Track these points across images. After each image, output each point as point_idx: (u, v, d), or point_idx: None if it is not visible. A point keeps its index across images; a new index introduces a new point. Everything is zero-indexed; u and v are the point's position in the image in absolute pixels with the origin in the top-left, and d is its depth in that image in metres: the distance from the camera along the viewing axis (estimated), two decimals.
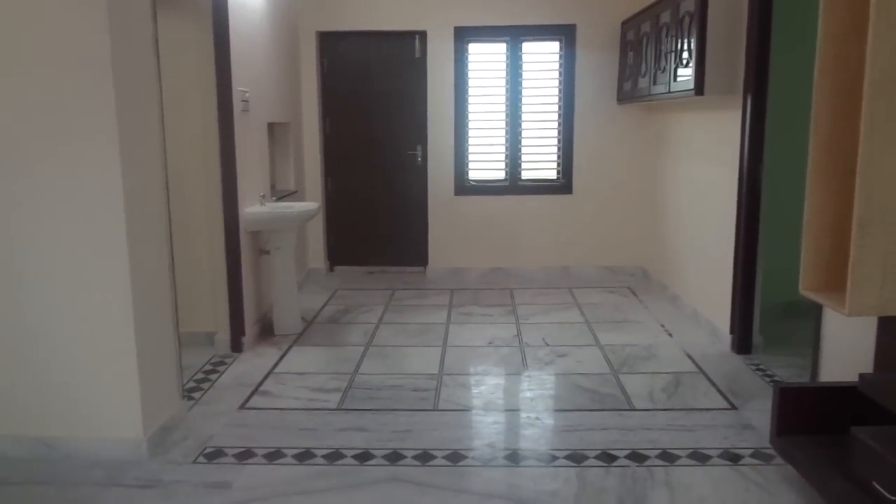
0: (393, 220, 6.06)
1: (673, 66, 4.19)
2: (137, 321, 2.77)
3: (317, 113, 5.80)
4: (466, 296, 5.39)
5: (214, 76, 3.82)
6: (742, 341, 3.95)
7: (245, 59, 4.19)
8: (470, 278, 5.89)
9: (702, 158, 4.47)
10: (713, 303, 4.29)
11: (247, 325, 4.17)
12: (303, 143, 5.78)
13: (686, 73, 4.02)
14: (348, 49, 5.83)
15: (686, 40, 3.98)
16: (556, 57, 5.69)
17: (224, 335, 4.09)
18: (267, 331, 4.47)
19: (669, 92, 4.27)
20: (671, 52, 4.21)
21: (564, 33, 5.63)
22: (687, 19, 3.97)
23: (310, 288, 5.64)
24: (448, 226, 5.89)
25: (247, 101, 4.19)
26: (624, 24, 5.42)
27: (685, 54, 4.02)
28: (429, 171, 5.84)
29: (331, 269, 6.16)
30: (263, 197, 4.37)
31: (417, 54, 5.79)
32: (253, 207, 4.26)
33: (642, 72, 4.91)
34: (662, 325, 4.54)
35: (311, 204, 4.57)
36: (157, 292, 3.00)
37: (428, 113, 5.75)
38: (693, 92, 3.87)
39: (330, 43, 5.81)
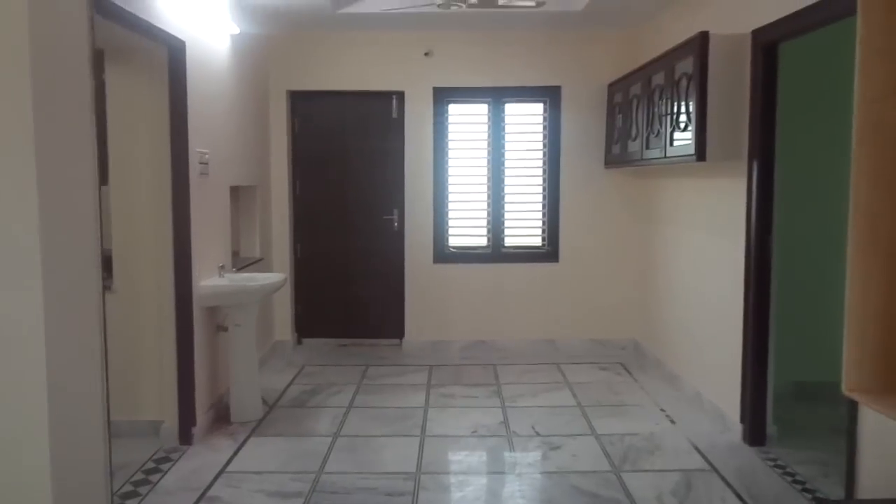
0: (367, 290, 5.64)
1: (669, 130, 3.92)
2: (54, 415, 2.28)
3: (286, 175, 5.44)
4: (446, 373, 4.94)
5: (169, 136, 3.44)
6: (755, 432, 3.55)
7: (205, 118, 3.83)
8: (450, 353, 5.45)
9: (701, 227, 4.16)
10: (718, 385, 3.90)
11: (198, 412, 3.67)
12: (270, 206, 5.39)
13: (685, 138, 3.74)
14: (321, 108, 5.53)
15: (684, 103, 3.72)
16: (541, 119, 5.44)
17: (171, 425, 3.59)
18: (222, 417, 3.97)
19: (665, 157, 3.99)
20: (666, 115, 3.95)
21: (549, 95, 5.39)
22: (684, 81, 3.72)
23: (274, 363, 5.15)
24: (426, 296, 5.49)
25: (206, 164, 3.81)
26: (611, 86, 5.20)
27: (682, 117, 3.75)
28: (406, 236, 5.47)
29: (299, 342, 5.68)
30: (223, 268, 3.94)
31: (394, 114, 5.50)
32: (210, 280, 3.83)
33: (633, 135, 4.65)
34: (663, 410, 4.12)
35: (276, 275, 4.15)
36: (83, 379, 2.53)
37: (405, 175, 5.43)
38: (693, 157, 3.57)
39: (301, 102, 5.50)
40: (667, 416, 4.03)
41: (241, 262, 4.70)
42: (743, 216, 3.55)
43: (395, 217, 5.56)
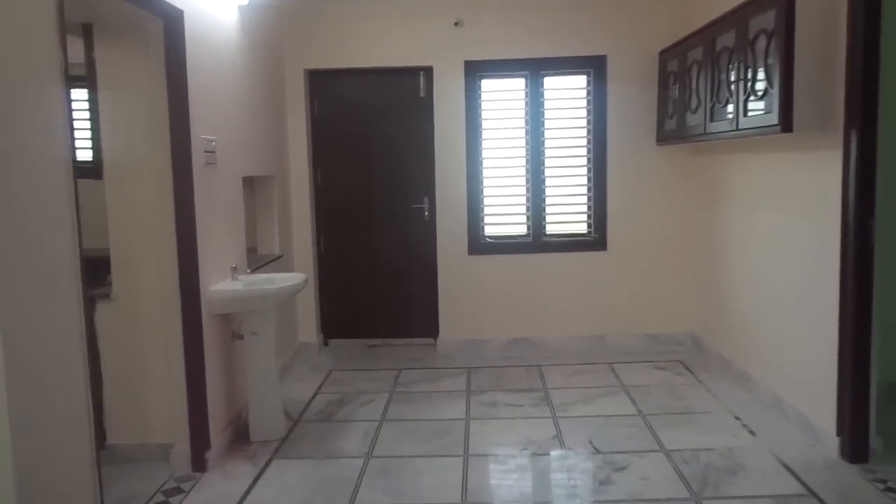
0: (397, 285, 5.19)
1: (742, 99, 3.38)
2: (19, 444, 1.88)
3: (306, 162, 4.99)
4: (487, 376, 4.48)
5: (168, 121, 3.00)
6: (856, 446, 3.04)
7: (210, 101, 3.39)
8: (489, 352, 4.99)
9: (780, 209, 3.62)
10: (804, 389, 3.38)
11: (213, 433, 3.26)
12: (290, 198, 4.95)
13: (762, 106, 3.20)
14: (342, 89, 5.06)
15: (762, 65, 3.17)
16: (584, 93, 4.91)
17: (183, 448, 3.18)
18: (241, 436, 3.56)
19: (737, 129, 3.45)
20: (738, 80, 3.40)
21: (593, 66, 4.85)
22: (762, 39, 3.17)
23: (299, 369, 4.73)
24: (461, 290, 5.02)
25: (212, 152, 3.37)
26: (663, 53, 4.64)
27: (760, 83, 3.21)
28: (438, 226, 5.00)
29: (325, 344, 5.27)
30: (235, 269, 3.51)
31: (422, 93, 5.01)
32: (221, 284, 3.40)
33: (692, 107, 4.10)
34: (738, 418, 3.61)
35: (296, 276, 3.71)
36: (59, 401, 2.12)
37: (435, 160, 4.94)
38: (777, 128, 3.03)
39: (321, 82, 5.04)
40: (744, 425, 3.52)
41: (259, 260, 4.28)
42: (837, 196, 3.01)
43: (426, 205, 5.09)
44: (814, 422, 3.29)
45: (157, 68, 2.99)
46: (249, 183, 4.54)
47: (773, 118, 3.05)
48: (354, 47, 4.85)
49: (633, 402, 3.90)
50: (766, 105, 3.17)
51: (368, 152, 5.09)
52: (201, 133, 3.23)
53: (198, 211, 3.14)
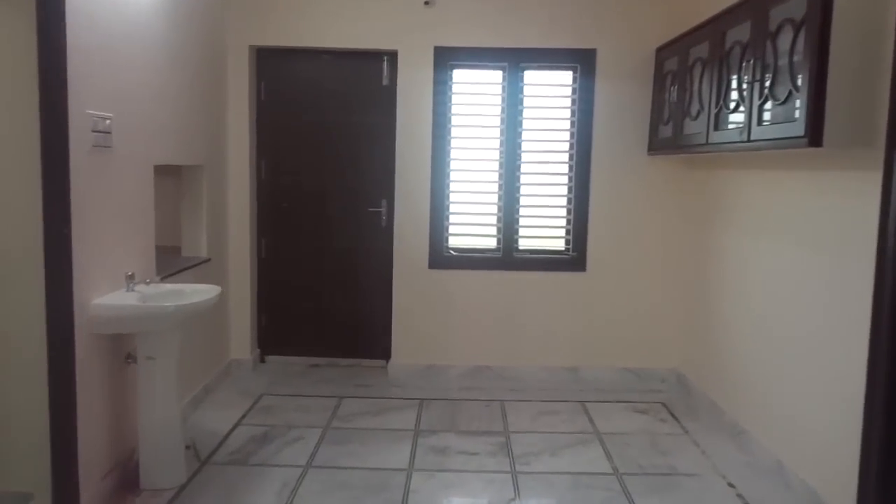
0: (346, 299, 4.56)
1: (756, 104, 2.80)
2: None
3: (248, 153, 4.33)
4: (441, 412, 3.86)
5: (37, 89, 2.34)
6: None
7: (109, 70, 2.74)
8: (447, 381, 4.37)
9: (794, 238, 3.05)
10: (816, 455, 2.81)
11: (85, 481, 2.61)
12: (226, 192, 4.29)
13: (782, 114, 2.63)
14: (294, 71, 4.41)
15: (786, 63, 2.59)
16: (569, 91, 4.31)
17: (43, 500, 2.52)
18: (130, 482, 2.91)
19: (748, 140, 2.87)
20: (754, 82, 2.82)
21: (580, 60, 4.26)
22: (788, 32, 2.59)
23: (224, 392, 4.08)
24: (419, 308, 4.40)
25: (107, 133, 2.71)
26: (661, 49, 4.06)
27: (782, 86, 2.63)
28: (395, 234, 4.37)
29: (261, 360, 4.61)
30: (132, 278, 2.84)
31: (385, 81, 4.38)
32: (109, 297, 2.74)
33: (692, 112, 3.53)
34: (732, 486, 3.03)
35: (208, 290, 3.05)
36: None
37: (396, 158, 4.32)
38: (802, 141, 2.45)
39: (270, 62, 4.39)
40: (738, 495, 2.94)
41: (181, 264, 3.63)
42: (873, 227, 2.43)
43: (384, 210, 4.47)
44: (825, 499, 2.72)
45: (26, 20, 2.33)
46: (173, 173, 3.89)
47: (798, 128, 2.47)
48: (310, 23, 4.21)
49: (608, 457, 3.31)
50: (786, 112, 2.60)
51: (321, 145, 4.45)
52: (89, 108, 2.57)
53: (77, 204, 2.49)
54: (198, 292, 3.01)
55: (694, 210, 4.19)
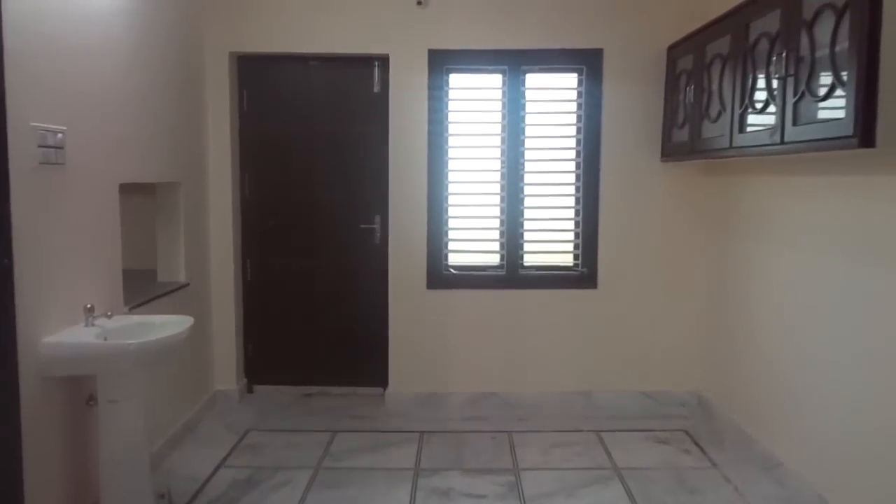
0: (339, 323, 4.24)
1: (791, 102, 2.49)
2: None
3: (230, 167, 4.02)
4: (444, 446, 3.53)
5: None
6: None
7: (63, 79, 2.43)
8: (449, 410, 4.03)
9: (837, 250, 2.73)
10: (866, 493, 2.48)
11: None
12: (207, 211, 3.98)
13: (824, 112, 2.32)
14: (279, 79, 4.11)
15: (828, 54, 2.28)
16: (574, 94, 4.00)
17: None
18: None
19: (782, 143, 2.55)
20: (787, 76, 2.51)
21: (586, 61, 3.95)
22: (828, 18, 2.28)
23: (207, 427, 3.74)
24: (418, 332, 4.07)
25: (59, 148, 2.40)
26: (673, 48, 3.77)
27: (823, 80, 2.32)
28: (391, 252, 4.05)
29: (249, 391, 4.28)
30: (91, 310, 2.52)
31: (376, 88, 4.08)
32: (65, 333, 2.42)
33: (712, 114, 3.22)
34: None
35: (177, 322, 2.71)
36: None
37: (390, 171, 4.01)
38: (852, 142, 2.13)
39: (252, 70, 4.09)
40: None
41: (156, 290, 3.31)
42: None
43: (377, 226, 4.15)
44: None
45: None
46: (146, 192, 3.58)
47: (846, 127, 2.15)
48: (294, 28, 3.91)
49: (630, 497, 2.97)
50: (829, 110, 2.29)
51: (309, 158, 4.14)
52: (35, 120, 2.26)
53: (22, 230, 2.17)
54: (168, 325, 2.69)
55: (713, 220, 3.87)
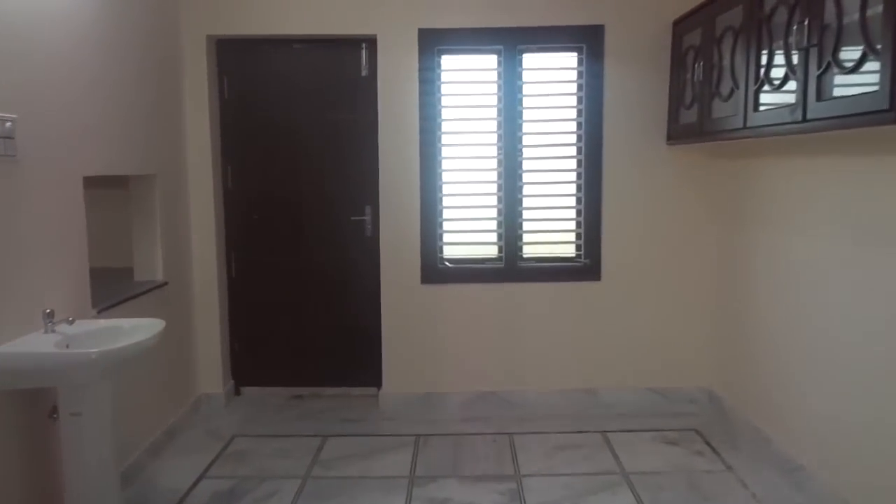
0: (330, 320, 4.03)
1: (814, 75, 2.26)
2: None
3: (210, 158, 3.79)
4: (440, 451, 3.32)
5: None
6: None
7: (9, 61, 2.20)
8: (447, 411, 3.83)
9: (864, 237, 2.51)
10: None
11: None
12: (187, 204, 3.76)
13: (852, 85, 2.09)
14: (261, 64, 3.87)
15: (858, 20, 2.05)
16: (574, 75, 3.77)
17: None
18: None
19: (804, 120, 2.33)
20: (809, 47, 2.28)
21: (586, 39, 3.72)
22: None
23: (190, 434, 3.54)
24: (412, 329, 3.86)
25: (9, 139, 2.17)
26: (679, 22, 3.53)
27: (850, 51, 2.10)
28: (382, 245, 3.83)
29: (237, 393, 4.08)
30: (51, 315, 2.31)
31: (364, 71, 3.85)
32: (17, 342, 2.20)
33: (723, 92, 2.99)
34: None
35: (147, 327, 2.47)
36: None
37: (380, 159, 3.78)
38: (889, 116, 1.91)
39: (233, 54, 3.85)
40: None
41: (130, 291, 3.09)
42: None
43: (368, 218, 3.93)
44: None
45: None
46: (118, 185, 3.36)
47: (881, 100, 1.93)
48: (275, 8, 3.67)
49: None
50: (860, 82, 2.06)
51: (295, 147, 3.92)
52: None
53: None
54: (138, 329, 2.47)
55: (723, 206, 3.65)
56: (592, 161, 3.76)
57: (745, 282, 3.42)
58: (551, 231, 3.88)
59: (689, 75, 3.39)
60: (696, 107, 3.29)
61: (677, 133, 3.58)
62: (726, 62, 2.97)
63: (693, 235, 3.78)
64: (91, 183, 2.71)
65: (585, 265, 3.83)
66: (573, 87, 3.77)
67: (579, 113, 3.77)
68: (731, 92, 2.91)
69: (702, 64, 3.21)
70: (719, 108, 3.05)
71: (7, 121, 2.17)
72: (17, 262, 2.24)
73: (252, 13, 3.67)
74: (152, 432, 3.27)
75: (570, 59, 3.78)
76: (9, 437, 2.20)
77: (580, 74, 3.75)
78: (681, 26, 3.52)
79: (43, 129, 2.38)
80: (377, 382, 3.97)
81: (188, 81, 3.71)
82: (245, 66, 3.86)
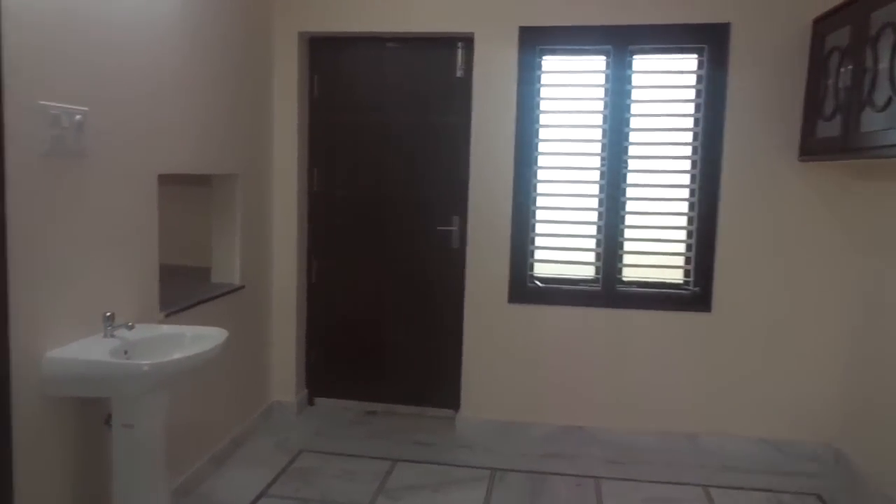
0: (409, 335, 3.80)
1: None
2: None
3: (296, 160, 3.67)
4: (517, 490, 3.01)
5: None
6: None
7: (84, 50, 2.10)
8: (527, 443, 3.51)
9: None
10: None
11: None
12: (270, 207, 3.65)
13: None
14: (353, 62, 3.71)
15: None
16: (693, 79, 3.36)
17: None
18: None
19: None
20: None
21: (709, 39, 3.30)
22: None
23: (258, 443, 3.41)
24: (495, 351, 3.57)
25: (79, 132, 2.07)
26: (821, 20, 3.05)
27: None
28: (469, 258, 3.57)
29: (310, 403, 3.93)
30: (111, 319, 2.19)
31: (459, 72, 3.60)
32: (72, 347, 2.09)
33: (877, 101, 2.52)
34: None
35: (209, 337, 2.31)
36: None
37: (472, 166, 3.52)
38: None
39: (324, 53, 3.71)
40: None
41: (203, 294, 2.99)
42: None
43: (456, 229, 3.68)
44: None
45: None
46: (201, 183, 3.29)
47: None
48: (372, 4, 3.50)
49: None
50: None
51: (384, 151, 3.73)
52: (45, 97, 1.94)
53: (21, 227, 1.86)
54: (200, 339, 2.32)
55: (865, 235, 3.13)
56: (708, 177, 3.33)
57: (887, 325, 2.89)
58: (656, 253, 3.48)
59: (831, 81, 2.91)
60: (840, 118, 2.81)
61: (813, 148, 3.10)
62: (883, 65, 2.49)
63: (826, 267, 3.27)
64: (178, 179, 2.61)
65: (694, 294, 3.40)
66: (690, 93, 3.36)
67: (696, 122, 3.35)
68: (889, 101, 2.43)
69: (850, 68, 2.73)
70: (871, 121, 2.56)
71: (77, 113, 2.07)
72: (81, 260, 2.14)
73: (347, 9, 3.51)
74: (220, 439, 3.16)
75: (688, 62, 3.37)
76: (66, 440, 2.10)
77: (699, 79, 3.34)
78: (823, 24, 3.04)
79: (117, 124, 2.28)
80: (454, 404, 3.71)
81: (277, 80, 3.60)
82: (336, 64, 3.71)
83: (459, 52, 3.59)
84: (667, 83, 3.40)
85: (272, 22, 3.55)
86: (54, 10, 1.97)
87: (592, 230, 3.47)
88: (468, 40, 3.51)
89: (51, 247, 2.00)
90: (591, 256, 3.50)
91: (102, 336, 2.19)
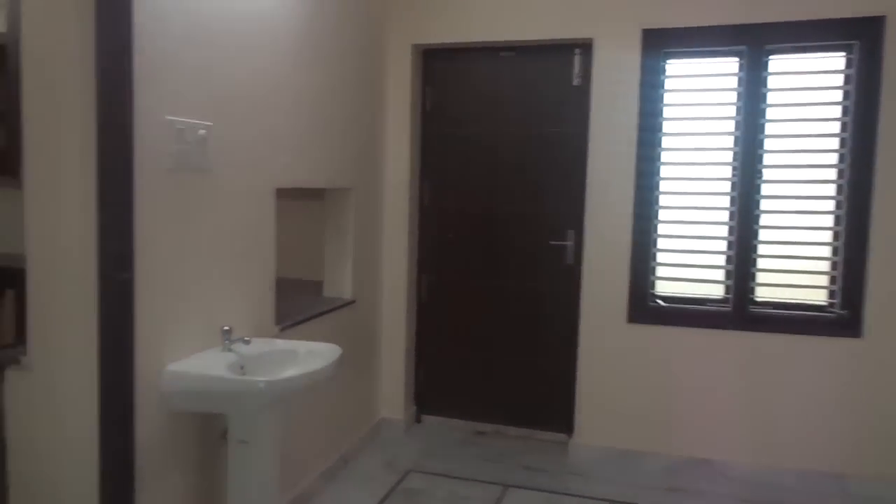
0: (521, 353, 3.66)
1: None
2: None
3: (408, 173, 3.63)
4: None
5: (95, 88, 1.76)
6: None
7: (209, 65, 2.13)
8: (647, 474, 3.27)
9: None
10: None
11: None
12: (381, 220, 3.63)
13: None
14: (466, 74, 3.64)
15: None
16: (840, 80, 3.04)
17: None
18: None
19: None
20: None
21: (859, 35, 2.98)
22: None
23: (366, 461, 3.36)
24: (613, 374, 3.36)
25: (203, 147, 2.10)
26: None
27: None
28: (584, 275, 3.39)
29: (417, 420, 3.86)
30: (229, 333, 2.20)
31: (576, 80, 3.45)
32: (194, 359, 2.10)
33: None
34: None
35: (323, 354, 2.27)
36: None
37: (588, 178, 3.35)
38: None
39: (437, 64, 3.67)
40: None
41: (316, 308, 2.98)
42: None
43: (570, 243, 3.51)
44: None
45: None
46: (314, 197, 3.31)
47: None
48: (486, 13, 3.42)
49: None
50: None
51: (496, 163, 3.62)
52: (171, 113, 1.97)
53: (148, 241, 1.88)
54: (313, 355, 2.29)
55: None
56: (859, 187, 2.99)
57: None
58: (795, 271, 3.15)
59: None
60: None
61: None
62: None
63: None
64: (291, 193, 2.62)
65: (841, 317, 3.05)
66: (837, 96, 3.04)
67: (843, 127, 3.03)
68: None
69: None
70: None
71: (201, 128, 2.09)
72: (201, 274, 2.16)
73: (461, 20, 3.45)
74: (329, 456, 3.14)
75: (835, 61, 3.05)
76: (173, 466, 2.10)
77: (847, 79, 3.01)
78: None
79: (238, 139, 2.30)
80: (567, 428, 3.52)
81: (390, 92, 3.58)
82: (448, 76, 3.65)
83: (577, 60, 3.43)
84: (809, 85, 3.09)
85: (387, 35, 3.54)
86: (180, 24, 2.00)
87: (722, 245, 3.20)
88: (586, 46, 3.35)
89: (174, 260, 2.02)
90: (720, 274, 3.23)
91: (220, 350, 2.20)
